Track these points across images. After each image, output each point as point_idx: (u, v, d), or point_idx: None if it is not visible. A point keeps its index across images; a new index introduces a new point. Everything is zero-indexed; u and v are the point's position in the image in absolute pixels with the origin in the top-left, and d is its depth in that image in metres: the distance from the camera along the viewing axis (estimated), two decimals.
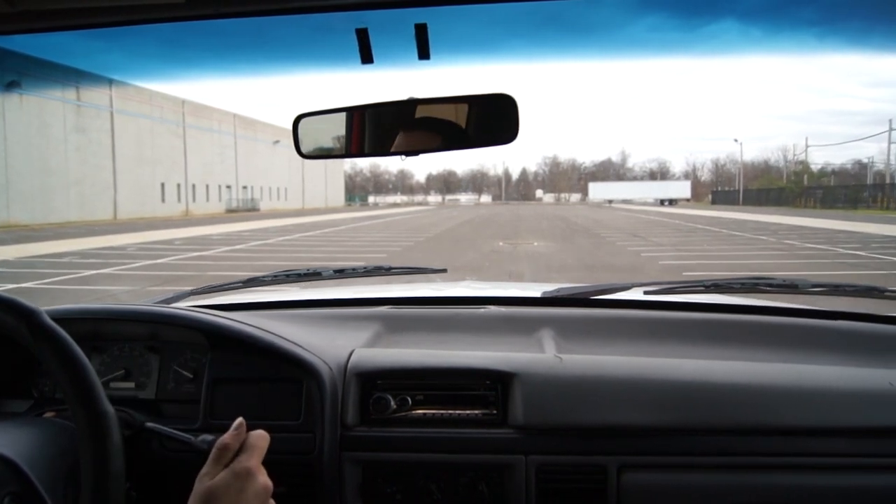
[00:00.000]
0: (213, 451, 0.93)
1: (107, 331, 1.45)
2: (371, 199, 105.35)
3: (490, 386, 1.32)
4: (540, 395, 1.29)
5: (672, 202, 77.77)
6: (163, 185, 43.64)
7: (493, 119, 1.17)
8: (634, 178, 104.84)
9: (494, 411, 1.31)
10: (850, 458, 1.24)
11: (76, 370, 0.93)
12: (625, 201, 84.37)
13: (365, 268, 1.94)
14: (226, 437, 0.94)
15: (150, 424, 1.21)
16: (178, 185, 45.75)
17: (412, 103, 1.15)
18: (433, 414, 1.32)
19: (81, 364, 0.94)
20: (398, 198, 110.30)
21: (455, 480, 1.28)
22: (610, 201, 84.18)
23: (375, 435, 1.30)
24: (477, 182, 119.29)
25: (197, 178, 47.72)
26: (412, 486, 1.28)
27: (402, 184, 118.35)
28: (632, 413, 1.26)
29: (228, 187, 52.91)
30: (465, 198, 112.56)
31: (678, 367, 1.33)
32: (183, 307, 1.50)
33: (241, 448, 0.94)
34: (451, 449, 1.28)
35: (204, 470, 0.92)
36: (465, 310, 1.73)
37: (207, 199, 49.52)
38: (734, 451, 1.25)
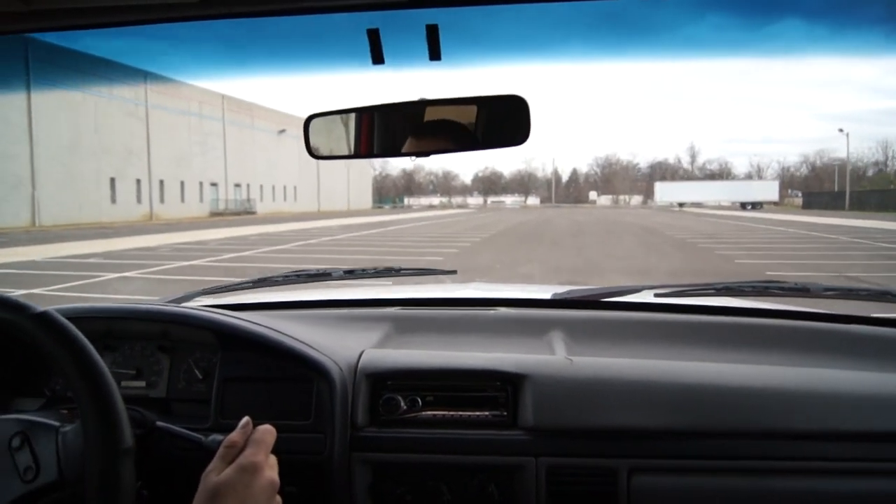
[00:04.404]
0: (220, 448, 0.93)
1: (118, 330, 1.44)
2: (407, 200, 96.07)
3: (500, 387, 1.31)
4: (550, 397, 1.28)
5: (756, 206, 64.94)
6: (113, 180, 33.78)
7: (503, 120, 1.16)
8: (691, 180, 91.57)
9: (504, 413, 1.30)
10: (864, 462, 1.22)
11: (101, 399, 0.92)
12: (694, 204, 71.99)
13: (375, 269, 1.92)
14: (233, 435, 0.94)
15: (160, 424, 1.18)
16: (138, 182, 35.84)
17: (422, 104, 1.15)
18: (443, 415, 1.31)
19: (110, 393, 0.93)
20: (435, 200, 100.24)
21: (465, 482, 1.27)
22: (681, 204, 71.61)
23: (385, 436, 1.29)
24: (524, 183, 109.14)
25: (167, 172, 37.77)
26: (422, 487, 1.27)
27: (447, 184, 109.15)
28: (642, 416, 1.25)
29: (214, 185, 42.88)
30: (510, 200, 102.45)
31: (689, 369, 1.32)
32: (193, 307, 1.50)
33: (247, 443, 0.93)
34: (462, 450, 1.27)
35: (210, 467, 0.91)
36: (474, 311, 1.72)
37: (182, 200, 39.57)
38: (746, 455, 1.23)
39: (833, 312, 1.59)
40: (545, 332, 1.55)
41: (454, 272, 2.10)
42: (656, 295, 1.66)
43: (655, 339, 1.52)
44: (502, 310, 1.71)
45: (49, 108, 29.63)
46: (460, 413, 1.30)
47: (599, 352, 1.42)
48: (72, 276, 10.74)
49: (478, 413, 1.29)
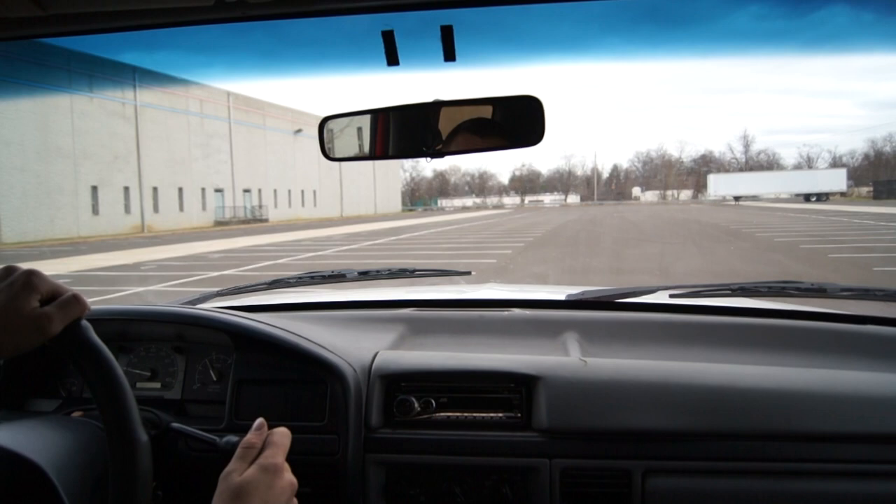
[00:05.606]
0: (238, 449, 0.94)
1: (133, 331, 1.45)
2: (440, 202, 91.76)
3: (514, 389, 1.31)
4: (564, 399, 1.28)
5: (821, 197, 58.35)
6: (94, 188, 29.77)
7: (518, 121, 1.16)
8: (742, 171, 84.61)
9: (518, 414, 1.30)
10: (879, 464, 1.21)
11: (111, 385, 0.89)
12: (750, 198, 65.58)
13: (389, 270, 1.93)
14: (250, 437, 0.95)
15: (175, 425, 1.20)
16: (126, 189, 31.79)
17: (437, 105, 1.15)
18: (457, 416, 1.31)
19: (118, 381, 0.90)
20: (468, 201, 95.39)
21: (479, 483, 1.26)
22: (737, 198, 65.30)
23: (399, 437, 1.29)
24: (563, 181, 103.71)
25: (161, 178, 33.72)
26: (436, 489, 1.27)
27: (483, 185, 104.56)
28: (657, 417, 1.24)
29: (219, 191, 38.76)
30: (549, 199, 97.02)
31: (704, 371, 1.31)
32: (208, 308, 1.50)
33: (265, 445, 0.94)
34: (475, 452, 1.27)
35: (229, 467, 0.91)
36: (489, 312, 1.72)
37: (181, 208, 35.50)
38: (761, 457, 1.22)
39: (850, 313, 1.57)
40: (559, 334, 1.54)
41: (469, 273, 2.09)
42: (671, 296, 1.65)
43: (670, 341, 1.51)
44: (516, 311, 1.70)
45: (11, 109, 25.70)
46: (474, 414, 1.29)
47: (614, 353, 1.42)
48: None
49: (492, 414, 1.29)
